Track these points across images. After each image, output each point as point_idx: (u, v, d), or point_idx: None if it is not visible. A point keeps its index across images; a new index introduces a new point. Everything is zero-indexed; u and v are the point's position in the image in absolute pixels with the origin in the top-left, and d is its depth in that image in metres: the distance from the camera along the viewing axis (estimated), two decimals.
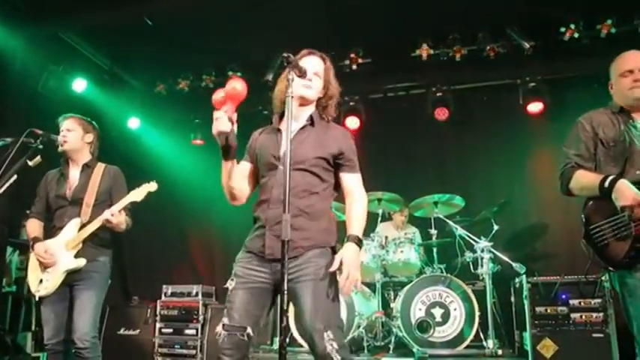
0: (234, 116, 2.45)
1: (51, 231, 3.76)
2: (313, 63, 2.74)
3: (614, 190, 2.66)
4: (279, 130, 2.72)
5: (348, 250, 2.51)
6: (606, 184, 2.69)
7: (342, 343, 2.44)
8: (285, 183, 2.28)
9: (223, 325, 2.49)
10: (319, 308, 2.43)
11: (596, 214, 2.81)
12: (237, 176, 2.67)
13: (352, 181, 2.72)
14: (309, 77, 2.63)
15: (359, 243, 2.56)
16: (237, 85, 2.42)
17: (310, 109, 2.76)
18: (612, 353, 4.39)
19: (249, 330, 2.46)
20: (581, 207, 2.92)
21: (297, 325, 5.24)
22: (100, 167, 3.90)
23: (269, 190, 2.61)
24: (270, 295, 2.57)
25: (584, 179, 2.85)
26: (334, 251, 2.59)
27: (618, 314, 4.50)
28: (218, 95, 2.44)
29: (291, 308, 2.58)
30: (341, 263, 2.46)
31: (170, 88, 7.29)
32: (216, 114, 2.43)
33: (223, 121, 2.42)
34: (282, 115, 2.74)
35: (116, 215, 3.59)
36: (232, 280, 2.58)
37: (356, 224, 2.61)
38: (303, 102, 2.72)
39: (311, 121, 2.72)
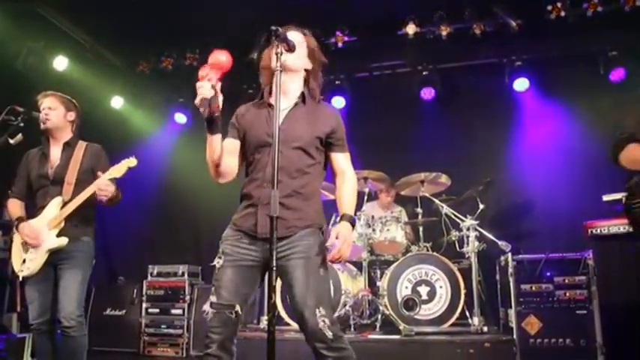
0: (219, 86, 2.38)
1: (33, 210, 3.72)
2: (294, 35, 2.71)
3: None
4: (270, 105, 2.66)
5: (344, 227, 2.56)
6: None
7: (333, 319, 2.47)
8: (274, 160, 2.28)
9: (211, 303, 2.48)
10: (310, 285, 2.45)
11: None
12: (224, 153, 2.59)
13: (343, 160, 2.75)
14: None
15: (352, 222, 2.61)
16: (221, 57, 2.38)
17: (298, 82, 2.73)
18: (595, 329, 4.46)
19: (237, 308, 2.46)
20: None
21: (285, 304, 5.25)
22: (82, 145, 3.84)
23: (262, 168, 2.59)
24: (259, 273, 2.57)
25: (637, 152, 2.86)
26: (323, 232, 2.62)
27: (602, 291, 4.57)
28: (204, 71, 2.38)
29: (278, 286, 2.58)
30: (336, 237, 2.50)
31: (153, 66, 7.18)
32: (198, 83, 2.36)
33: (206, 88, 2.34)
34: (271, 90, 2.71)
35: (108, 184, 3.52)
36: (220, 258, 2.56)
37: (348, 204, 2.67)
38: (289, 71, 2.64)
39: (303, 98, 2.70)
